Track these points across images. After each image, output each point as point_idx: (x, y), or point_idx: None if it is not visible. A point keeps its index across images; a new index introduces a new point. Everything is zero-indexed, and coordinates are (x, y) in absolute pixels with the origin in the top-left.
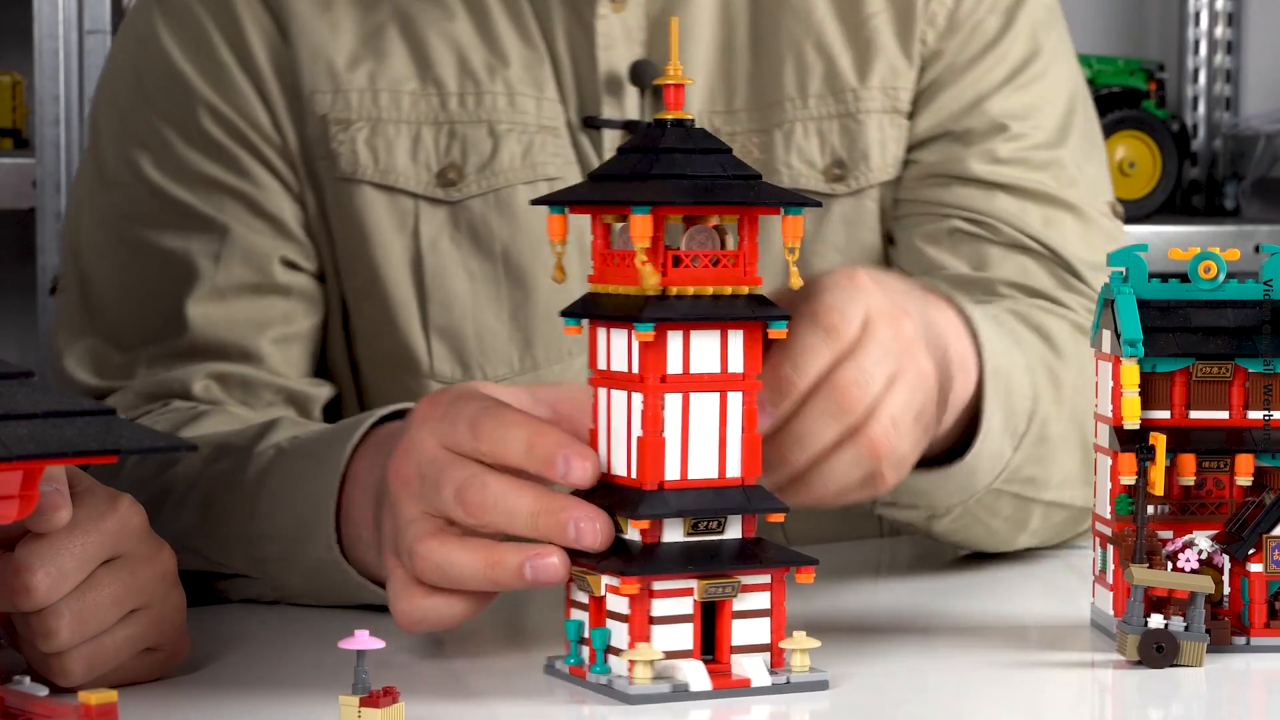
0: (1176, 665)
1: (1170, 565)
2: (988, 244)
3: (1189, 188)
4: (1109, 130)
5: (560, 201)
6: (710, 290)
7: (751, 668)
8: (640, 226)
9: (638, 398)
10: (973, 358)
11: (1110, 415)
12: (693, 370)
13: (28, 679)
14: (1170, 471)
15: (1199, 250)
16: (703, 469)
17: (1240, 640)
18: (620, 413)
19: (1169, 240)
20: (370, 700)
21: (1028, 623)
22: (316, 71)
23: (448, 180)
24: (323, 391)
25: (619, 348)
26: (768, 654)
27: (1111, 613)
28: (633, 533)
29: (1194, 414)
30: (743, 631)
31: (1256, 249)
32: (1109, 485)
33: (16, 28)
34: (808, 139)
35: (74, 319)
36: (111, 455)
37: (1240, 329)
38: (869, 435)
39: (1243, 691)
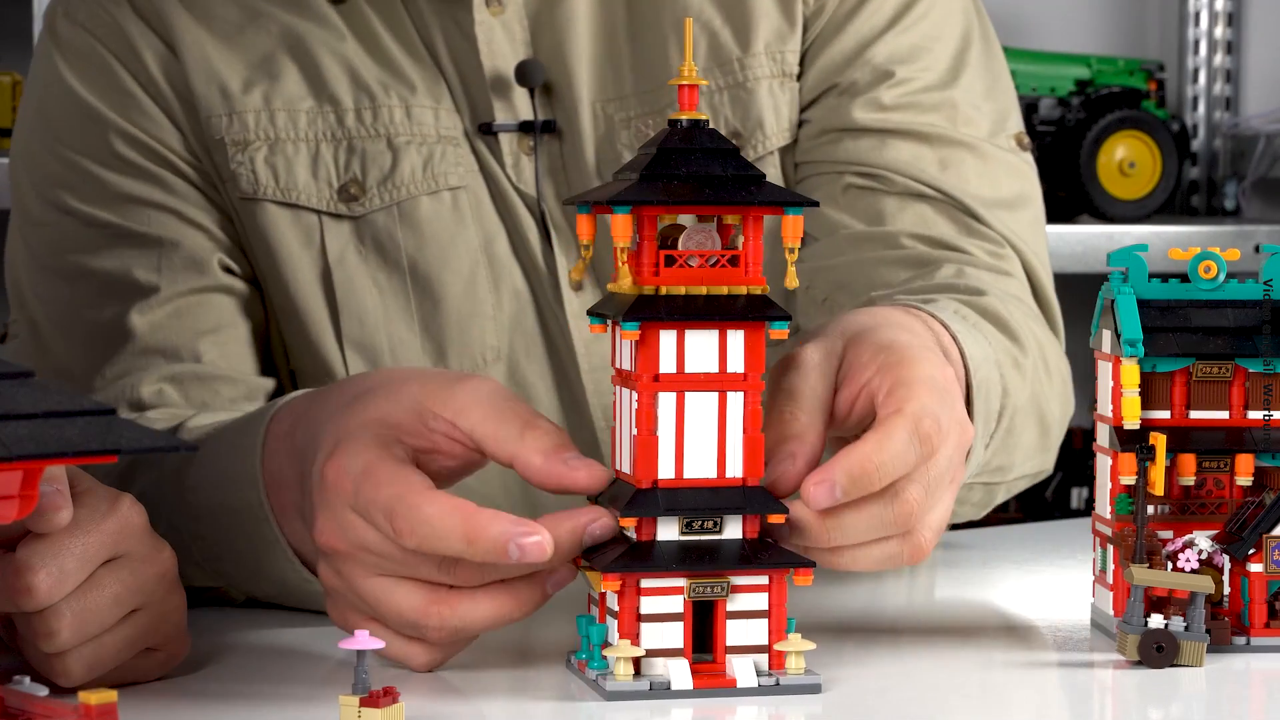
0: (1176, 665)
1: (1170, 565)
2: (883, 195)
3: (1189, 188)
4: (1109, 130)
5: (579, 202)
6: (704, 290)
7: (740, 668)
8: (619, 226)
9: (635, 396)
10: (960, 373)
11: (1110, 415)
12: (688, 369)
13: (28, 679)
14: (1170, 471)
15: (1199, 250)
16: (701, 469)
17: (1240, 640)
18: (626, 411)
19: (1169, 240)
20: (370, 700)
21: (1027, 623)
22: (210, 95)
23: (349, 195)
24: (275, 384)
25: (622, 346)
26: (763, 655)
27: (1111, 613)
28: (632, 531)
29: (1194, 414)
30: (738, 632)
31: (1256, 249)
32: (1109, 485)
33: (16, 28)
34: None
35: (27, 362)
36: (111, 455)
37: (1240, 329)
38: (914, 543)
39: (1243, 691)
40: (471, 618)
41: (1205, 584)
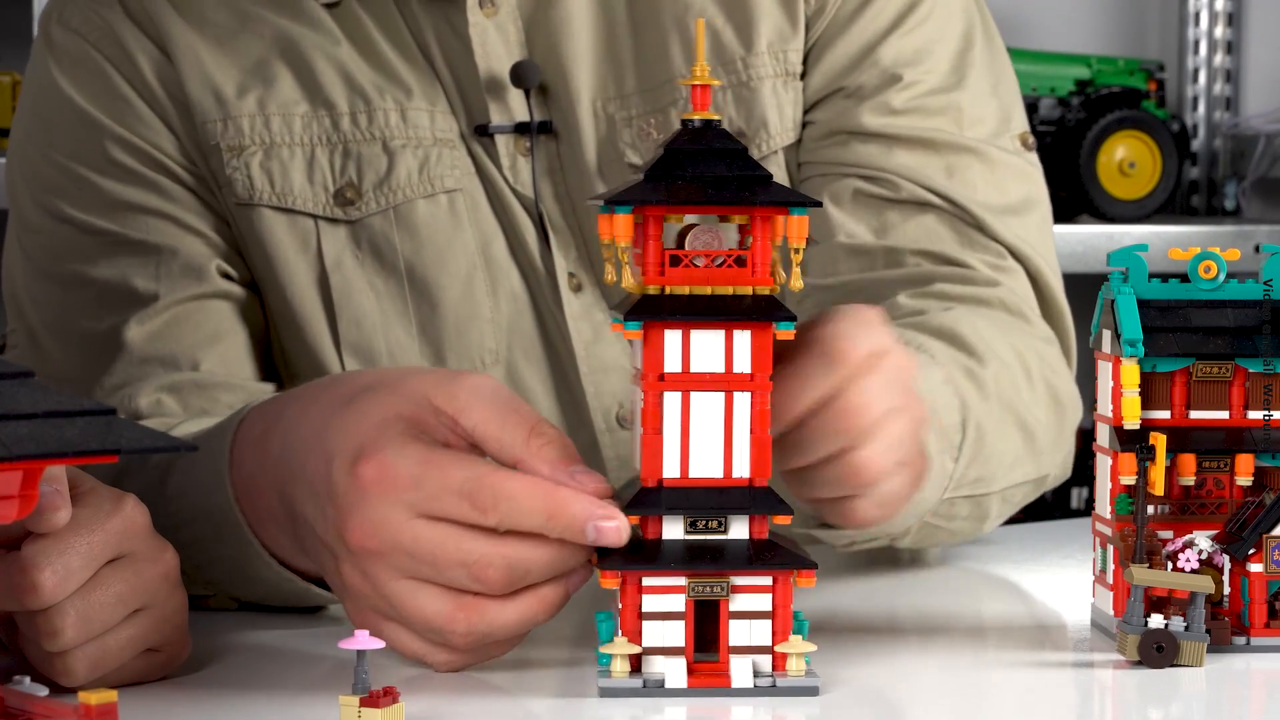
0: (1176, 665)
1: (1170, 565)
2: (888, 204)
3: (1189, 188)
4: (1109, 130)
5: (603, 201)
6: (709, 289)
7: (737, 669)
8: (620, 226)
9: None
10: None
11: (1110, 415)
12: (694, 369)
13: (28, 679)
14: (1170, 471)
15: (1199, 250)
16: (707, 468)
17: (1240, 640)
18: (638, 410)
19: (1169, 240)
20: (370, 700)
21: (1027, 623)
22: (205, 101)
23: (345, 199)
24: (275, 389)
25: (635, 346)
26: (766, 656)
27: (1111, 613)
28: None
29: (1194, 414)
30: (741, 632)
31: (1256, 249)
32: (1109, 485)
33: (16, 28)
34: None
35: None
36: (112, 455)
37: (1240, 329)
38: (858, 456)
39: (1243, 691)
40: (498, 622)
41: (1205, 584)
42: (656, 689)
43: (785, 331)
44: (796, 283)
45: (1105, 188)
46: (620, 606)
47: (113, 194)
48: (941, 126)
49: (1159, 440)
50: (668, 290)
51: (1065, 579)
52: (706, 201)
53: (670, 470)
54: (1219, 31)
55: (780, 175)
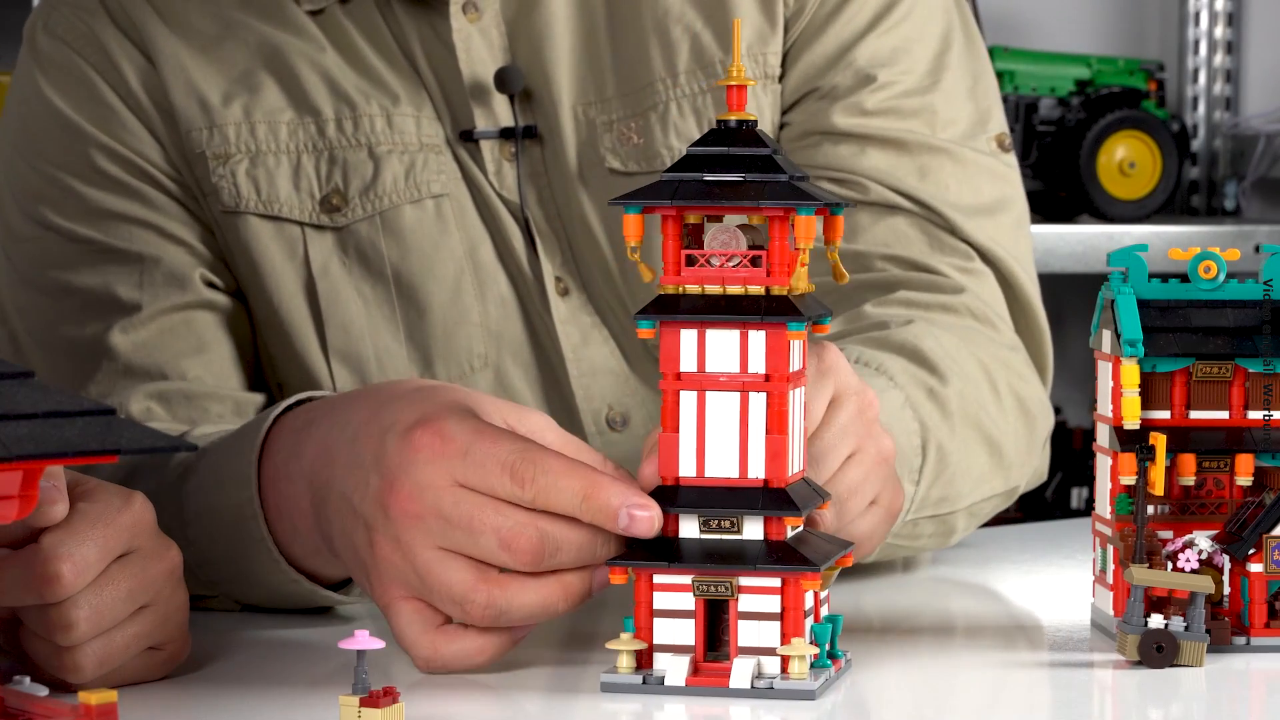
0: (1176, 665)
1: (1170, 565)
2: (857, 208)
3: (1189, 188)
4: (1109, 130)
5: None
6: (723, 289)
7: (737, 670)
8: (631, 226)
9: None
10: None
11: (1110, 415)
12: (709, 369)
13: (28, 679)
14: (1170, 471)
15: (1199, 250)
16: (723, 468)
17: (1240, 640)
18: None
19: (1169, 240)
20: (370, 700)
21: (1027, 623)
22: (190, 109)
23: (332, 206)
24: (263, 399)
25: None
26: (773, 658)
27: (1111, 613)
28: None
29: (1194, 414)
30: (749, 633)
31: (1256, 249)
32: (1109, 485)
33: (17, 28)
34: (684, 118)
35: None
36: (112, 455)
37: (1240, 329)
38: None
39: (1243, 691)
40: (518, 601)
41: (1205, 584)
42: (656, 686)
43: (796, 332)
44: (801, 284)
45: (1105, 188)
46: (636, 604)
47: (97, 202)
48: (914, 128)
49: (1159, 440)
50: (684, 290)
51: (1065, 579)
52: (711, 202)
53: (686, 469)
54: (1219, 31)
55: None
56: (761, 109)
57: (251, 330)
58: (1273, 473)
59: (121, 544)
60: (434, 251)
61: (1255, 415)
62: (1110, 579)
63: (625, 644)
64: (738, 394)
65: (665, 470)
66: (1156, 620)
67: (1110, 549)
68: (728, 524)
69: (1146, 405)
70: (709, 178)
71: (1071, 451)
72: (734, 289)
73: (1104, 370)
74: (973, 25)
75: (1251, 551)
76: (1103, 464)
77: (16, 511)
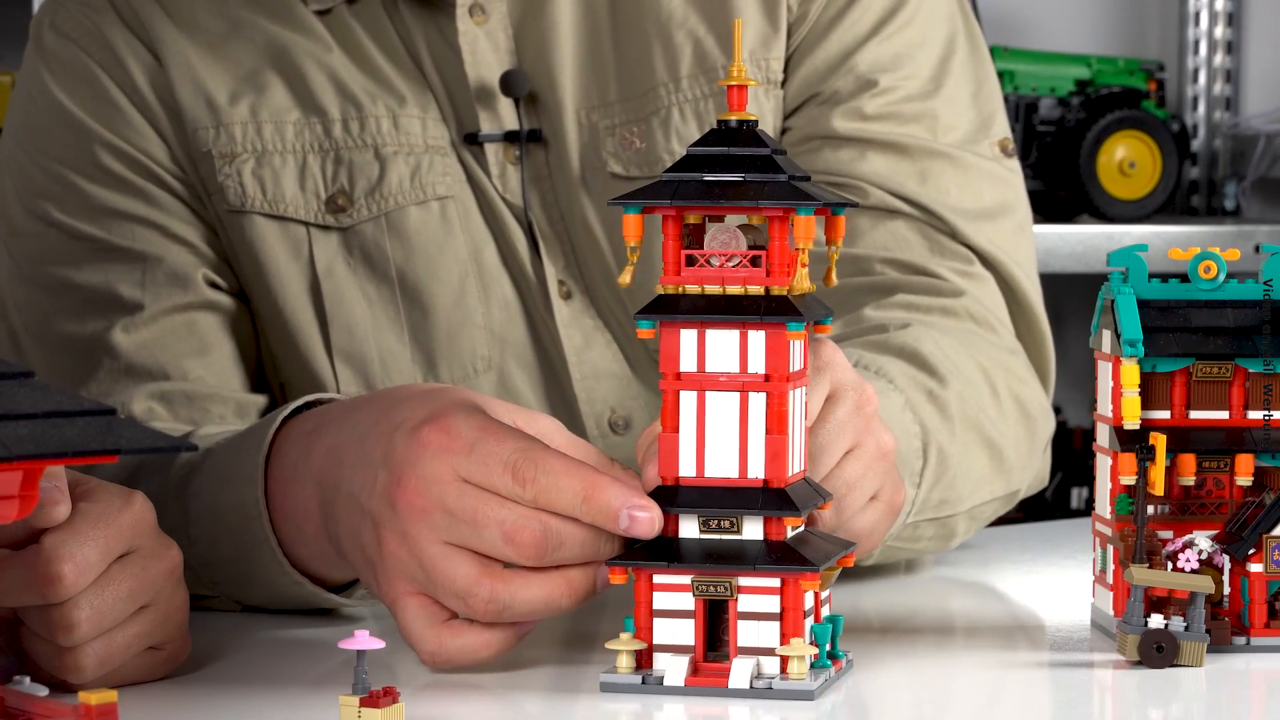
0: (1176, 665)
1: (1170, 565)
2: (857, 211)
3: (1189, 188)
4: (1109, 130)
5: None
6: (723, 290)
7: (736, 670)
8: (630, 226)
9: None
10: None
11: (1110, 415)
12: (709, 369)
13: (28, 679)
14: (1170, 471)
15: (1199, 250)
16: (723, 468)
17: (1240, 640)
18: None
19: (1169, 240)
20: (370, 700)
21: (1027, 623)
22: (197, 108)
23: (337, 206)
24: (265, 401)
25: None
26: (772, 658)
27: (1111, 613)
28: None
29: (1194, 414)
30: (749, 633)
31: (1256, 249)
32: (1109, 485)
33: (16, 28)
34: (685, 122)
35: None
36: (112, 455)
37: (1240, 329)
38: (821, 514)
39: (1243, 691)
40: (521, 596)
41: (1205, 584)
42: (656, 686)
43: (795, 332)
44: (803, 284)
45: (1105, 188)
46: (636, 604)
47: (100, 200)
48: (915, 133)
49: (1159, 440)
50: (684, 290)
51: (1065, 579)
52: (711, 202)
53: (686, 469)
54: (1219, 31)
55: None
56: (764, 114)
57: (254, 331)
58: (1273, 473)
59: (122, 544)
60: (438, 253)
61: (1255, 415)
62: (1110, 579)
63: (625, 644)
64: (737, 394)
65: (665, 470)
66: (1156, 620)
67: (1110, 549)
68: (727, 524)
69: (1146, 405)
70: (709, 178)
71: (1071, 451)
72: (734, 289)
73: (1104, 370)
74: (977, 31)
75: (1251, 551)
76: (1103, 464)
77: (17, 511)
